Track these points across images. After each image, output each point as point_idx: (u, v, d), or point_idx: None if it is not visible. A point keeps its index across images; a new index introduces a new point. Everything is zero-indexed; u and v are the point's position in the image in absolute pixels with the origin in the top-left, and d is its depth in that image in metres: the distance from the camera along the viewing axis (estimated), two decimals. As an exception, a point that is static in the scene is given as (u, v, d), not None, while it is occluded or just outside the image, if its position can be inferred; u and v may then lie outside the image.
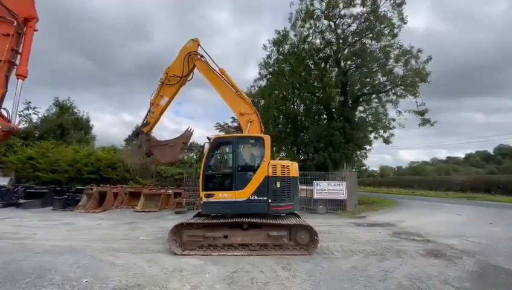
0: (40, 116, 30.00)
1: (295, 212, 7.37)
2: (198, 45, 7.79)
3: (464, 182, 32.95)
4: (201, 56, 7.72)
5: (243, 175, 6.40)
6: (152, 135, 8.00)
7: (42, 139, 23.13)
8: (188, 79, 7.94)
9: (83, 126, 33.21)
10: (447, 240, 7.55)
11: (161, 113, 7.84)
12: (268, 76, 24.13)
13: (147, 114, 7.78)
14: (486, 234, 8.28)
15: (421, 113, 17.82)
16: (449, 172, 56.75)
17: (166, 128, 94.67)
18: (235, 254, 5.93)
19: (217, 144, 6.83)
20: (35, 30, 5.58)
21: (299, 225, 6.19)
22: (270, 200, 6.23)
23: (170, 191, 15.08)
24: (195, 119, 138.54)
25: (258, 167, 6.42)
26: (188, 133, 7.83)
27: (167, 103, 7.79)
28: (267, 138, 6.64)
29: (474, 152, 74.28)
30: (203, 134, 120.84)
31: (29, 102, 28.56)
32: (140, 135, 7.70)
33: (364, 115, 21.41)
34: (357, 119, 20.38)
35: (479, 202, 19.24)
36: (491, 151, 69.93)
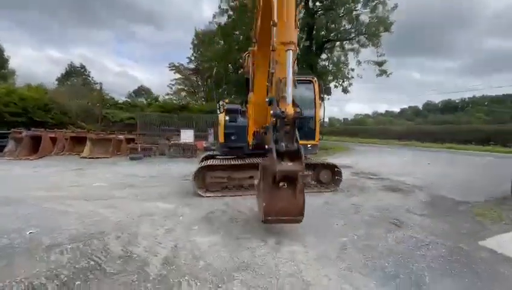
0: None
1: None
2: None
3: (399, 132, 37.39)
4: None
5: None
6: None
7: None
8: None
9: (-6, 57, 26.69)
10: (398, 177, 8.40)
11: None
12: (230, 12, 21.58)
13: None
14: (427, 172, 9.48)
15: (380, 63, 18.43)
16: (386, 124, 63.85)
17: (110, 71, 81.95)
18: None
19: None
20: None
21: (322, 165, 6.47)
22: None
23: (122, 137, 13.59)
24: (141, 62, 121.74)
25: None
26: None
27: None
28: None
29: (407, 107, 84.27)
30: (149, 79, 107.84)
31: None
32: None
33: (326, 63, 21.36)
34: (319, 67, 20.24)
35: (414, 148, 22.17)
36: (420, 106, 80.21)
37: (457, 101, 72.86)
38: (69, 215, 4.43)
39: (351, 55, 20.22)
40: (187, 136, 13.50)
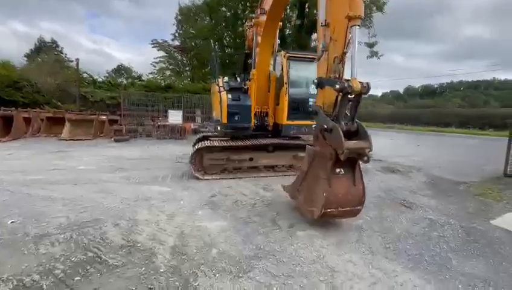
0: None
1: None
2: None
3: (383, 115, 38.24)
4: None
5: None
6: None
7: None
8: None
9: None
10: (392, 159, 8.45)
11: None
12: (217, -16, 20.21)
13: None
14: (419, 153, 9.66)
15: (371, 45, 18.21)
16: (368, 107, 65.31)
17: (82, 48, 75.52)
18: (260, 175, 5.73)
19: None
20: None
21: None
22: None
23: (104, 117, 12.70)
24: (117, 39, 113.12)
25: None
26: None
27: None
28: None
29: (389, 91, 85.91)
30: (128, 58, 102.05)
31: None
32: None
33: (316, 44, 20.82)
34: (311, 48, 19.74)
35: (399, 130, 22.72)
36: (401, 91, 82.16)
37: (435, 86, 75.13)
38: (55, 201, 3.99)
39: (341, 35, 19.78)
40: (175, 117, 12.85)
